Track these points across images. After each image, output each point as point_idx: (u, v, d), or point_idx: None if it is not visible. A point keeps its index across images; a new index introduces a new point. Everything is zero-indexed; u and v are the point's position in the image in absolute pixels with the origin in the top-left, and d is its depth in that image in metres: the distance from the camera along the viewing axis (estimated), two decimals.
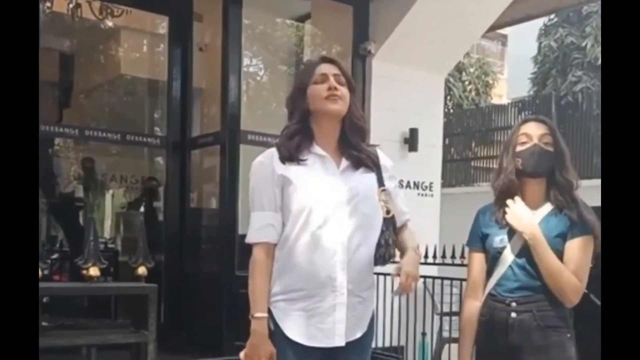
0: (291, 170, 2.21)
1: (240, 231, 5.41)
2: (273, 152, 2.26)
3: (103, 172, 7.41)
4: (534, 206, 2.35)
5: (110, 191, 7.76)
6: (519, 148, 2.35)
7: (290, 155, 2.22)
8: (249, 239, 2.25)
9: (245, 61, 7.18)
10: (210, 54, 6.08)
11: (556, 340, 2.29)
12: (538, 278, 2.29)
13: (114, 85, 7.72)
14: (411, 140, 6.31)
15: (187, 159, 5.93)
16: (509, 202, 2.33)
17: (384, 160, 2.37)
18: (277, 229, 2.22)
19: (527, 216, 2.31)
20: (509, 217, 2.32)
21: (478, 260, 2.44)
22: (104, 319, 4.22)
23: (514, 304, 2.30)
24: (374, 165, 2.31)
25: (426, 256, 4.82)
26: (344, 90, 2.26)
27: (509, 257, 2.33)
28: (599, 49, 12.04)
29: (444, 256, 4.79)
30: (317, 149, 2.26)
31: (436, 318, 5.43)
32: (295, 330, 2.20)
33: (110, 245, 7.49)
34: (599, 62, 11.88)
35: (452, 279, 4.86)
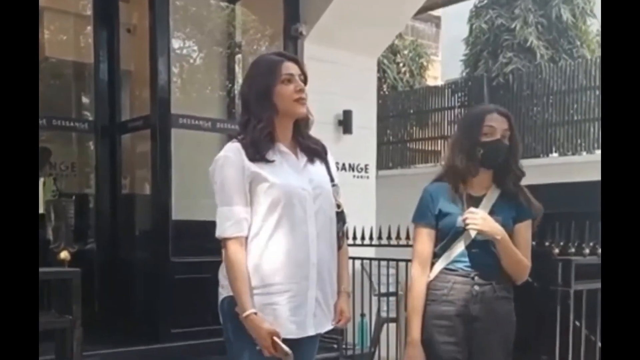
0: (262, 167, 2.26)
1: (174, 216, 5.33)
2: (238, 147, 2.27)
3: None
4: (480, 190, 2.57)
5: (41, 179, 7.51)
6: (483, 138, 2.51)
7: (259, 156, 2.26)
8: (224, 234, 2.25)
9: (178, 43, 7.04)
10: (138, 36, 5.94)
11: (508, 309, 2.59)
12: (495, 256, 2.52)
13: (39, 68, 7.47)
14: (345, 123, 6.34)
15: (118, 144, 5.79)
16: (472, 209, 2.50)
17: (329, 155, 2.50)
18: (249, 222, 2.26)
19: (491, 220, 2.48)
20: (477, 223, 2.46)
21: (429, 236, 2.59)
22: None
23: (476, 278, 2.52)
24: (324, 156, 2.43)
25: (363, 237, 4.86)
26: (306, 91, 2.32)
27: (469, 235, 2.51)
28: (528, 30, 12.28)
29: (379, 237, 4.83)
30: (280, 146, 2.32)
31: (374, 299, 5.49)
32: (272, 323, 2.24)
33: (40, 235, 7.28)
34: (528, 43, 12.15)
35: (389, 260, 4.91)
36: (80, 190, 7.21)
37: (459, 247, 2.54)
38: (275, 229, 2.25)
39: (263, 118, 2.28)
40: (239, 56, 7.22)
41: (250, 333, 2.21)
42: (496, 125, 2.53)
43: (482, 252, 2.53)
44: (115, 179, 5.82)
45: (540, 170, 8.50)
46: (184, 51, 7.29)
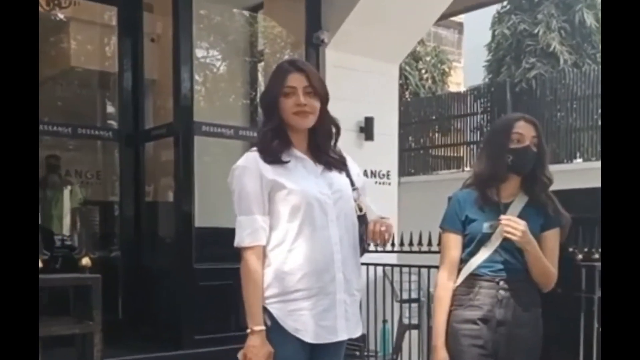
0: (279, 174, 2.25)
1: (197, 224, 5.37)
2: (255, 156, 2.27)
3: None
4: (508, 197, 2.59)
5: (68, 187, 7.62)
6: (512, 145, 2.53)
7: (274, 158, 2.26)
8: (241, 243, 2.25)
9: (201, 52, 7.11)
10: (162, 45, 6.00)
11: (534, 315, 2.59)
12: (522, 262, 2.53)
13: (64, 78, 7.56)
14: (367, 129, 6.33)
15: (141, 152, 5.85)
16: (503, 217, 2.49)
17: (350, 161, 2.47)
18: (267, 232, 2.26)
19: (523, 227, 2.45)
20: (517, 235, 2.45)
21: (457, 242, 2.61)
22: (49, 311, 4.15)
23: (502, 283, 2.53)
24: (343, 166, 2.40)
25: (384, 244, 4.84)
26: (312, 103, 2.28)
27: (496, 241, 2.52)
28: (551, 35, 12.23)
29: (402, 244, 4.82)
30: (295, 151, 2.32)
31: (396, 305, 5.47)
32: (300, 328, 2.25)
33: (67, 243, 7.37)
34: (551, 48, 12.09)
35: (410, 266, 4.89)
36: (105, 198, 7.30)
37: (485, 253, 2.55)
38: (298, 235, 2.24)
39: (273, 126, 2.30)
40: (261, 64, 7.27)
41: (249, 346, 2.23)
42: (524, 132, 2.56)
43: (508, 257, 2.54)
44: (139, 187, 5.88)
45: (564, 175, 8.40)
46: (207, 60, 7.37)
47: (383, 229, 2.28)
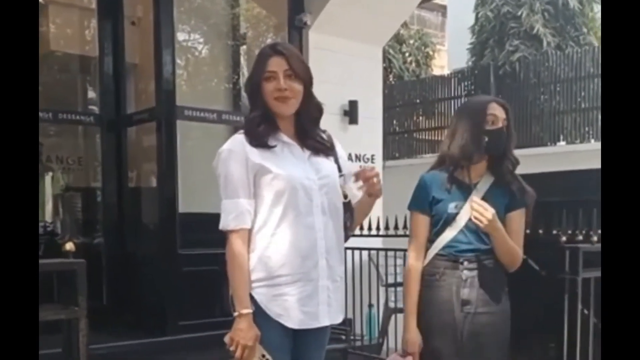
0: (265, 158, 2.24)
1: (181, 209, 5.34)
2: (241, 139, 2.26)
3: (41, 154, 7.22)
4: (475, 177, 2.61)
5: (50, 173, 7.54)
6: (487, 127, 2.56)
7: (260, 142, 2.25)
8: (226, 227, 2.24)
9: (183, 36, 7.03)
10: (143, 29, 5.93)
11: (498, 294, 2.61)
12: (487, 242, 2.56)
13: (44, 62, 7.45)
14: (351, 113, 6.32)
15: (123, 137, 5.79)
16: (473, 201, 2.49)
17: (338, 145, 2.47)
18: (252, 215, 2.25)
19: (490, 215, 2.44)
20: (483, 222, 2.44)
21: (425, 222, 2.65)
22: None
23: (466, 263, 2.57)
24: (330, 151, 2.40)
25: (370, 228, 4.85)
26: (294, 86, 2.26)
27: (461, 221, 2.56)
28: (534, 17, 12.22)
29: (387, 227, 4.82)
30: (282, 136, 2.31)
31: (382, 289, 5.49)
32: (283, 314, 2.25)
33: (49, 229, 7.31)
34: (535, 31, 12.09)
35: (396, 250, 4.90)
36: (87, 184, 7.22)
37: (451, 233, 2.58)
38: (281, 220, 2.24)
39: (257, 110, 2.30)
40: (243, 47, 7.21)
41: (236, 329, 2.22)
42: (498, 114, 2.59)
43: (473, 238, 2.57)
44: (122, 172, 5.83)
45: (548, 158, 8.46)
46: (189, 43, 7.29)
47: (373, 173, 2.31)
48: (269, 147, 2.26)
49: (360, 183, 2.34)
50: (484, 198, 2.54)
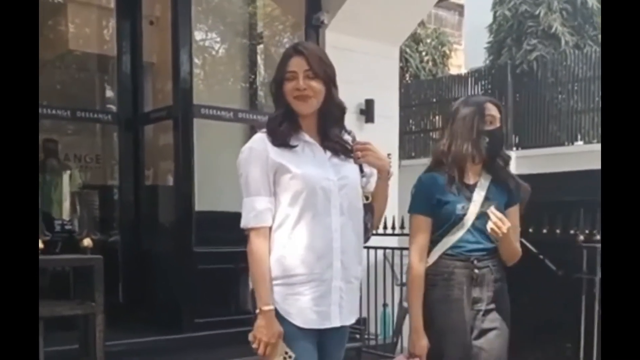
0: (286, 157, 2.24)
1: (197, 207, 5.36)
2: (263, 137, 2.27)
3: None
4: (474, 177, 2.65)
5: (68, 171, 7.62)
6: (487, 127, 2.60)
7: (282, 141, 2.25)
8: (248, 224, 2.25)
9: (200, 35, 7.06)
10: (161, 28, 5.96)
11: (503, 290, 2.67)
12: (493, 241, 2.60)
13: (62, 61, 7.53)
14: (367, 112, 6.31)
15: (141, 135, 5.82)
16: (491, 212, 2.53)
17: None
18: (272, 213, 2.26)
19: (505, 229, 2.51)
20: (494, 229, 2.51)
21: (427, 225, 2.65)
22: (51, 294, 4.15)
23: (476, 262, 2.60)
24: (350, 154, 2.37)
25: (385, 227, 4.84)
26: (314, 86, 2.26)
27: (468, 222, 2.59)
28: (552, 16, 12.13)
29: (402, 227, 4.81)
30: (304, 135, 2.30)
31: (396, 289, 5.46)
32: (295, 313, 2.25)
33: (67, 227, 7.38)
34: (553, 30, 12.01)
35: None
36: (104, 182, 7.29)
37: (459, 234, 2.60)
38: (299, 220, 2.24)
39: (280, 110, 2.31)
40: (261, 47, 7.22)
41: (257, 326, 2.21)
42: (495, 114, 2.63)
43: (480, 237, 2.61)
44: (139, 171, 5.86)
45: (565, 158, 8.40)
46: (206, 43, 7.32)
47: (362, 145, 2.32)
48: (290, 147, 2.26)
49: (359, 156, 2.33)
50: (486, 197, 2.60)
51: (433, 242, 2.65)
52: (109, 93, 7.27)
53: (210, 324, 5.09)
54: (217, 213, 5.74)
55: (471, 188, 2.63)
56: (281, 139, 2.26)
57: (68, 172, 7.08)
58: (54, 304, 3.49)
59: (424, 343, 2.60)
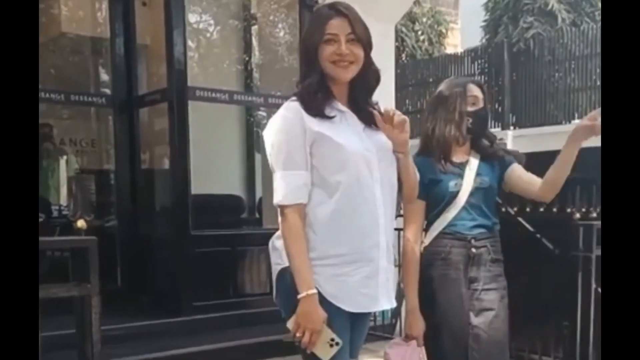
0: (326, 127, 2.05)
1: (193, 191, 5.35)
2: (297, 107, 2.06)
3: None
4: (463, 157, 2.65)
5: (64, 156, 7.60)
6: (470, 108, 2.60)
7: (318, 111, 2.06)
8: (283, 201, 2.04)
9: (194, 17, 7.00)
10: (154, 9, 5.89)
11: (500, 270, 2.65)
12: (490, 217, 2.61)
13: (55, 44, 7.47)
14: None
15: (135, 118, 5.78)
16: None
17: None
18: (309, 188, 2.06)
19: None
20: None
21: (422, 206, 2.63)
22: (47, 278, 4.15)
23: (473, 241, 2.58)
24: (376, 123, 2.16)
25: None
26: (356, 51, 2.07)
27: (462, 199, 2.58)
28: None
29: (400, 207, 4.80)
30: (338, 104, 2.12)
31: (395, 270, 5.47)
32: (341, 297, 2.07)
33: (65, 212, 7.37)
34: (549, 7, 11.92)
35: None
36: (100, 166, 7.27)
37: (454, 211, 2.59)
38: (342, 195, 2.04)
39: (312, 76, 2.09)
40: (255, 28, 7.17)
41: (300, 313, 2.01)
42: (478, 95, 2.63)
43: (477, 215, 2.60)
44: (135, 154, 5.82)
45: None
46: (200, 25, 7.27)
47: (399, 119, 2.07)
48: (328, 118, 2.07)
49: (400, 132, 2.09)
50: (477, 172, 2.60)
51: (430, 222, 2.64)
52: (103, 76, 7.22)
53: (208, 307, 5.10)
54: (214, 196, 5.73)
55: (461, 166, 2.62)
56: (317, 108, 2.06)
57: (64, 157, 7.07)
58: (50, 286, 3.46)
59: (420, 324, 2.58)
